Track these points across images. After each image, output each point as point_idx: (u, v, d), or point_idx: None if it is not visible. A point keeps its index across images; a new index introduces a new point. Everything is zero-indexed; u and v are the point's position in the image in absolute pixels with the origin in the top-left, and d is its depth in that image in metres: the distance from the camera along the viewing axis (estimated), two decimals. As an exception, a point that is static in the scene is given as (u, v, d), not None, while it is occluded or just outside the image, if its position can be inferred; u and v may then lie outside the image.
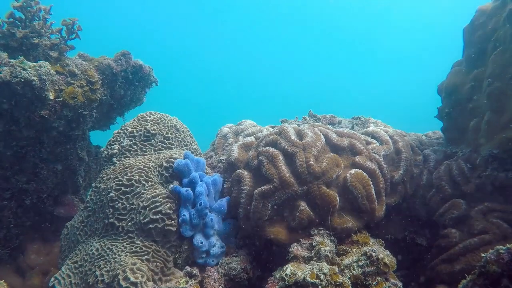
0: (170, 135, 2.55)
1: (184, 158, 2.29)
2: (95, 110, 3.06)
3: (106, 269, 1.94)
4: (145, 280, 1.85)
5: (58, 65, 2.88)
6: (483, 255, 1.24)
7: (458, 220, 2.32)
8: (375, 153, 2.35)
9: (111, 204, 2.15)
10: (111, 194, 2.16)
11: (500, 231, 2.13)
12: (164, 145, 2.51)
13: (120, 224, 2.11)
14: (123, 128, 2.56)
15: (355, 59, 31.58)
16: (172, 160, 2.27)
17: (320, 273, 1.67)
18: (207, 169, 2.50)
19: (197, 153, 2.71)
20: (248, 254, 2.20)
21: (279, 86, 32.91)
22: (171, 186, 2.16)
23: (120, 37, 28.76)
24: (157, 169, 2.27)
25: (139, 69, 3.43)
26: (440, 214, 2.42)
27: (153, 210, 2.04)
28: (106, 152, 2.48)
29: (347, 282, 1.69)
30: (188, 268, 2.01)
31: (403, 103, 26.86)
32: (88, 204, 2.33)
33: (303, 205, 2.01)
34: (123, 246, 2.03)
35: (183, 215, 2.07)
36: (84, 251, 2.14)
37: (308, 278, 1.65)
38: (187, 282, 1.93)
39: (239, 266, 2.08)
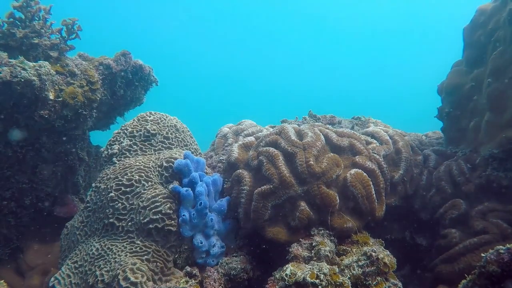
0: (170, 135, 2.55)
1: (184, 158, 2.29)
2: (95, 110, 3.06)
3: (106, 269, 1.94)
4: (145, 280, 1.85)
5: (58, 65, 2.88)
6: (483, 255, 1.23)
7: (458, 220, 2.32)
8: (375, 153, 2.35)
9: (111, 204, 2.15)
10: (111, 194, 2.16)
11: (500, 231, 2.13)
12: (164, 145, 2.51)
13: (120, 224, 2.10)
14: (123, 128, 2.56)
15: (355, 59, 31.57)
16: (172, 160, 2.27)
17: (320, 273, 1.67)
18: (207, 169, 2.50)
19: (197, 153, 2.71)
20: (248, 254, 2.20)
21: (279, 86, 32.88)
22: (171, 186, 2.16)
23: (120, 37, 28.74)
24: (157, 169, 2.27)
25: (139, 69, 3.43)
26: (440, 214, 2.42)
27: (153, 210, 2.04)
28: (106, 152, 2.47)
29: (347, 282, 1.69)
30: (188, 268, 2.01)
31: (403, 103, 26.87)
32: (88, 204, 2.33)
33: (303, 205, 2.01)
34: (123, 246, 2.03)
35: (183, 215, 2.07)
36: (84, 251, 2.14)
37: (308, 278, 1.65)
38: (187, 282, 1.93)
39: (239, 266, 2.08)
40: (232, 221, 2.26)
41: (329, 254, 1.88)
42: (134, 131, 2.50)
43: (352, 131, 2.44)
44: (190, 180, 2.17)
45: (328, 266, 1.74)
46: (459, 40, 2.94)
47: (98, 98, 3.03)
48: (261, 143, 2.31)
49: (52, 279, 2.07)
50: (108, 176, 2.29)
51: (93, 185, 2.38)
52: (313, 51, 32.93)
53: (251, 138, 2.63)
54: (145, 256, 1.97)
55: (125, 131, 2.52)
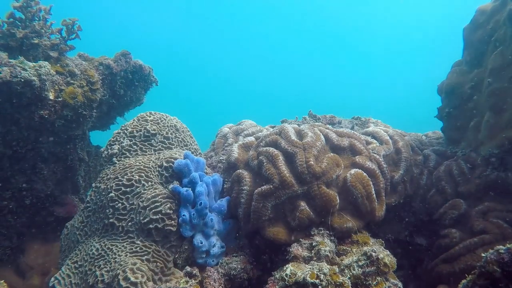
0: (170, 135, 2.55)
1: (184, 158, 2.29)
2: (95, 110, 3.06)
3: (106, 269, 1.94)
4: (145, 280, 1.85)
5: (58, 65, 2.88)
6: (483, 255, 1.23)
7: (458, 220, 2.32)
8: (375, 153, 2.35)
9: (111, 204, 2.15)
10: (111, 194, 2.16)
11: (500, 231, 2.13)
12: (164, 145, 2.51)
13: (120, 224, 2.11)
14: (123, 128, 2.56)
15: (355, 59, 31.60)
16: (172, 160, 2.27)
17: (320, 273, 1.67)
18: (207, 169, 2.50)
19: (197, 153, 2.71)
20: (248, 254, 2.20)
21: (279, 86, 32.90)
22: (171, 186, 2.16)
23: (120, 37, 28.76)
24: (157, 169, 2.27)
25: (139, 69, 3.44)
26: (440, 214, 2.42)
27: (153, 210, 2.04)
28: (106, 152, 2.47)
29: (347, 282, 1.69)
30: (188, 268, 2.01)
31: (403, 103, 26.86)
32: (88, 204, 2.33)
33: (303, 205, 2.01)
34: (123, 246, 2.03)
35: (183, 215, 2.07)
36: (84, 251, 2.14)
37: (308, 278, 1.65)
38: (187, 282, 1.93)
39: (239, 266, 2.08)
40: (232, 221, 2.26)
41: (329, 254, 1.88)
42: (134, 131, 2.50)
43: (352, 131, 2.44)
44: (190, 180, 2.17)
45: (328, 266, 1.74)
46: (459, 40, 2.94)
47: (98, 98, 3.03)
48: (261, 143, 2.31)
49: (52, 279, 2.07)
50: (108, 176, 2.29)
51: (93, 185, 2.38)
52: (313, 51, 32.95)
53: (251, 138, 2.63)
54: (145, 256, 1.97)
55: (125, 131, 2.52)
